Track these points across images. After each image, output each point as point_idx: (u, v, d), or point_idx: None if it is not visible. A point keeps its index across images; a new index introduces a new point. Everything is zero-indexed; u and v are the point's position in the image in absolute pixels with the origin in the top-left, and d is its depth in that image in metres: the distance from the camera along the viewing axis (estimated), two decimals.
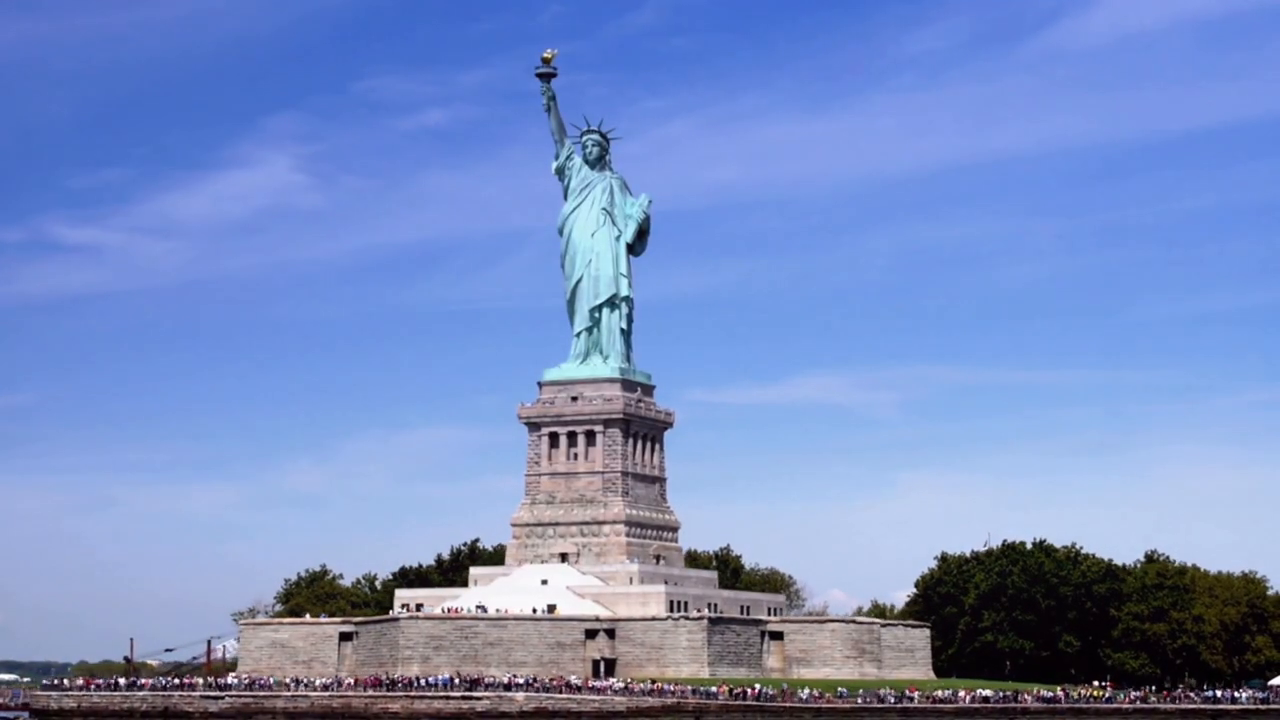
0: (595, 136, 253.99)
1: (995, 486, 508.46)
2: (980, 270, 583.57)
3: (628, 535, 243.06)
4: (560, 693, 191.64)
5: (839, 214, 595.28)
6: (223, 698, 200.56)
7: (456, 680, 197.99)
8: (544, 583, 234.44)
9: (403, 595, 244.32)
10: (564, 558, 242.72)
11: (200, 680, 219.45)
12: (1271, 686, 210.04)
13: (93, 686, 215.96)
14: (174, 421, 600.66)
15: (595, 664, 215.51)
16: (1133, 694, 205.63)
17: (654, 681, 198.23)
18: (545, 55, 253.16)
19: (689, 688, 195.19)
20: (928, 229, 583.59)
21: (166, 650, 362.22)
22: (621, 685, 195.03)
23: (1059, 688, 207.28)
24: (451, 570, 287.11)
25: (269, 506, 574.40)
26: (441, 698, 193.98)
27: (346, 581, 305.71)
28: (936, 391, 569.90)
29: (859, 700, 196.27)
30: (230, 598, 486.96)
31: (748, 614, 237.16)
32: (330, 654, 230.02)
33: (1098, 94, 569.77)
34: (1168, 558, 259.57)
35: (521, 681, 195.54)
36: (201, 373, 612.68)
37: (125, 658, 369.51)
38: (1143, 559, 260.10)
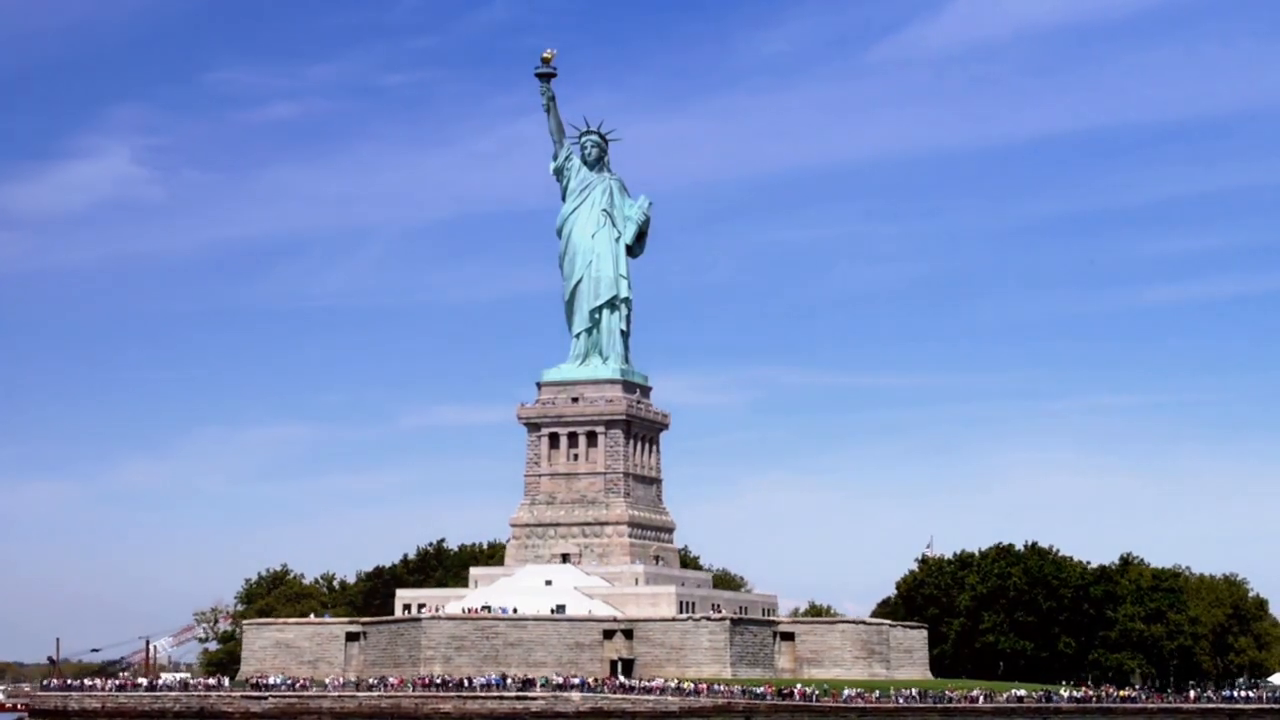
0: (594, 138, 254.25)
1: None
2: (824, 272, 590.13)
3: (630, 536, 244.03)
4: (614, 693, 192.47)
5: (687, 214, 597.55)
6: (265, 698, 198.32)
7: (508, 680, 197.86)
8: (548, 583, 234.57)
9: (404, 595, 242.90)
10: (565, 558, 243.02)
11: (140, 680, 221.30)
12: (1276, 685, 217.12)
13: (112, 686, 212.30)
14: (6, 416, 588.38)
15: (613, 664, 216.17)
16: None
17: (693, 682, 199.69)
18: (545, 55, 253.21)
19: (737, 688, 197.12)
20: (774, 231, 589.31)
21: (93, 650, 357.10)
22: (672, 685, 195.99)
23: (1084, 688, 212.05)
24: (419, 570, 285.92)
25: (102, 504, 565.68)
26: (495, 698, 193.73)
27: (305, 581, 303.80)
28: (784, 392, 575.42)
29: (899, 700, 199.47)
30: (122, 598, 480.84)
31: (745, 614, 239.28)
32: (337, 654, 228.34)
33: (942, 101, 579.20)
34: (1143, 560, 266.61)
35: (577, 682, 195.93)
36: (37, 367, 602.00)
37: (49, 658, 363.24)
38: (1118, 561, 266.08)
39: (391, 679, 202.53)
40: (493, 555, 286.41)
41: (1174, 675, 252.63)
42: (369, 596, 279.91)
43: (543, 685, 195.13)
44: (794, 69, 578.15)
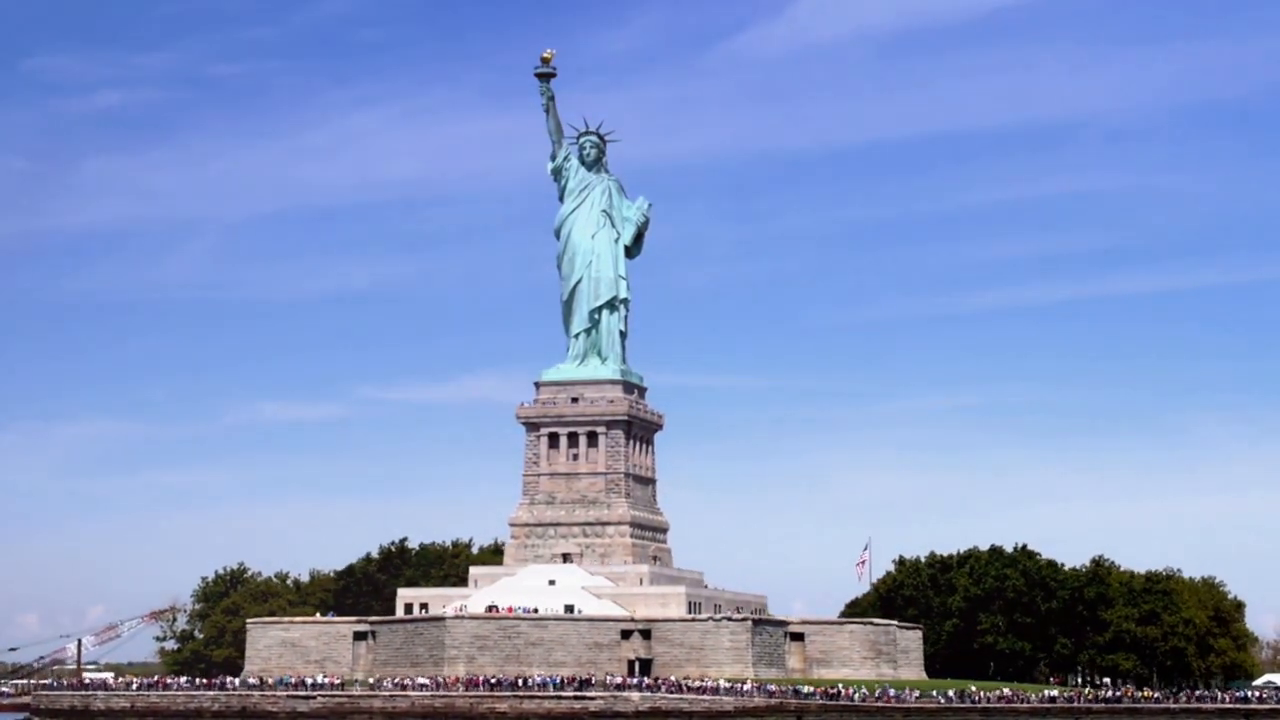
0: (593, 138, 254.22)
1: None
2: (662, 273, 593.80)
3: (632, 536, 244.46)
4: (671, 692, 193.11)
5: (518, 210, 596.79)
6: (314, 697, 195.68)
7: (563, 680, 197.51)
8: (551, 583, 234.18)
9: (406, 595, 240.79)
10: (565, 558, 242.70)
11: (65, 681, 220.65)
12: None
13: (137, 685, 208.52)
14: None
15: (630, 664, 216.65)
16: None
17: (726, 681, 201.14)
18: (544, 55, 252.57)
19: (790, 688, 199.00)
20: None
21: (10, 649, 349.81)
22: (725, 684, 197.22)
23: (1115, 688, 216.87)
24: (384, 569, 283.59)
25: None
26: (553, 697, 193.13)
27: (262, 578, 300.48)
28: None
29: (941, 700, 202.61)
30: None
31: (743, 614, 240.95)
32: (344, 653, 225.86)
33: (779, 102, 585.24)
34: (1114, 563, 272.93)
35: (635, 681, 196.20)
36: None
37: None
38: (1089, 563, 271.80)
39: (441, 678, 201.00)
40: (457, 555, 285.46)
41: (1165, 675, 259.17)
42: (341, 595, 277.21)
43: (599, 684, 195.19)
44: (632, 69, 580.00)
